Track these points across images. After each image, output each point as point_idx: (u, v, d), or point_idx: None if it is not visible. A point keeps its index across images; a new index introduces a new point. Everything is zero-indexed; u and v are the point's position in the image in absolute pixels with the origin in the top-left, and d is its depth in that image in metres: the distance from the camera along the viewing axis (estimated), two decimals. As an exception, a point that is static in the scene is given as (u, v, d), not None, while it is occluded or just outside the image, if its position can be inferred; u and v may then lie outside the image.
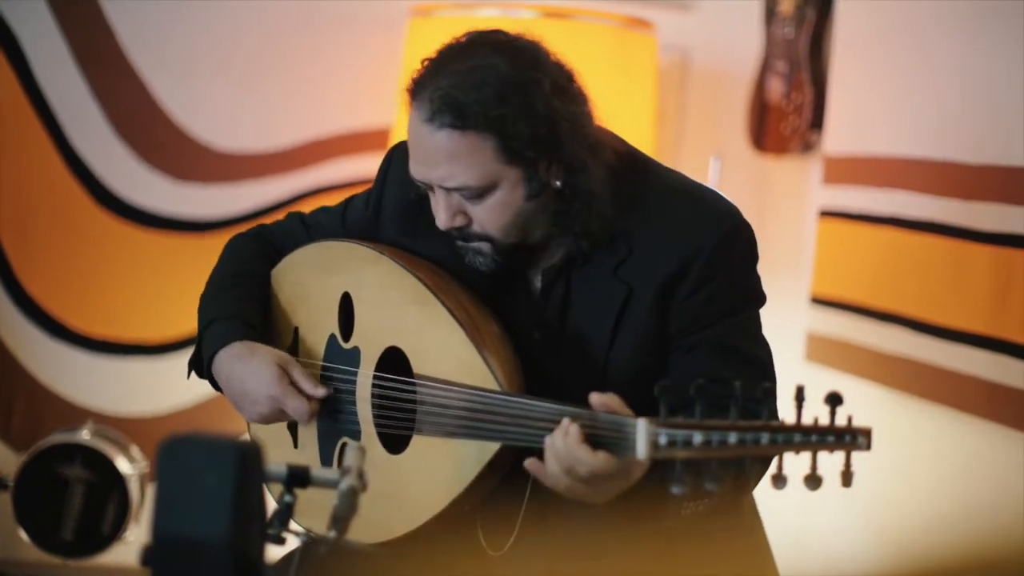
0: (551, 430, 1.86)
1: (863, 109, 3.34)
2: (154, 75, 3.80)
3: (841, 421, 1.72)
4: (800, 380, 3.39)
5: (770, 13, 3.76)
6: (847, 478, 1.71)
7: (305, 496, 1.80)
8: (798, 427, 1.71)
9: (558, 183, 2.03)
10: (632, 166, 2.11)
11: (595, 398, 1.84)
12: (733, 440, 1.69)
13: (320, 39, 3.88)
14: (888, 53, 3.25)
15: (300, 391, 2.16)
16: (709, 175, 3.57)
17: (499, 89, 1.97)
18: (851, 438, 1.72)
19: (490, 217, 2.04)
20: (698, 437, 1.69)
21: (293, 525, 1.73)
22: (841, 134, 3.44)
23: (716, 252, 2.05)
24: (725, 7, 3.94)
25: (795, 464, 1.72)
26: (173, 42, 3.81)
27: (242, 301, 2.26)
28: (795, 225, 3.76)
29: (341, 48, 3.88)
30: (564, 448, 1.83)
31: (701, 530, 2.01)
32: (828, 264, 3.45)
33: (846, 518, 3.29)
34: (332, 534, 1.64)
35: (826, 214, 3.45)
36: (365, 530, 1.97)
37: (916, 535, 3.07)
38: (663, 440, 1.71)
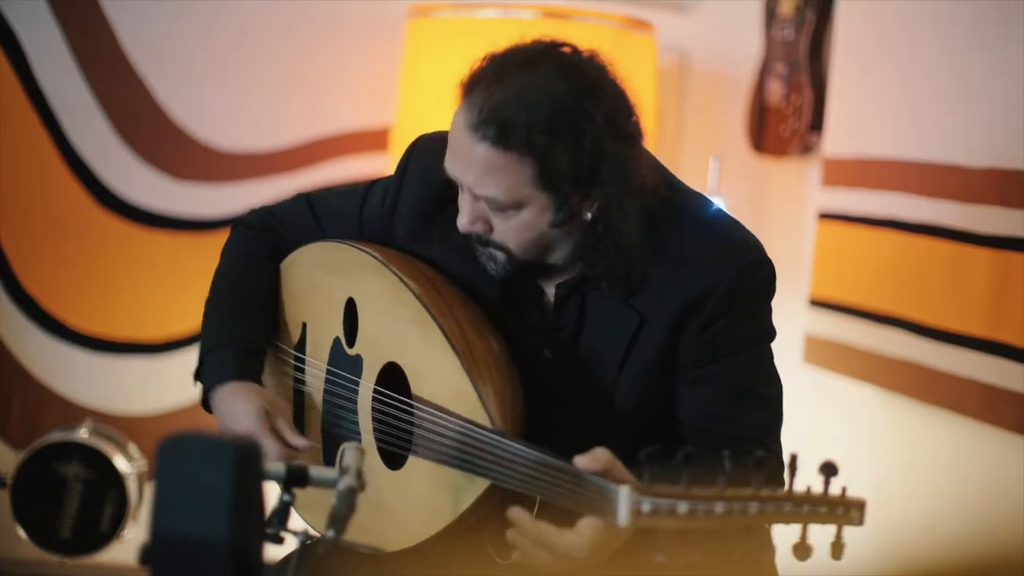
0: (536, 477, 1.83)
1: (862, 111, 3.35)
2: (154, 74, 3.80)
3: (835, 491, 1.66)
4: (799, 382, 3.38)
5: (770, 15, 3.76)
6: (837, 550, 1.66)
7: (309, 495, 1.80)
8: (789, 496, 1.65)
9: (589, 215, 2.00)
10: (658, 197, 2.06)
11: (580, 460, 1.79)
12: (720, 510, 1.63)
13: (319, 39, 3.88)
14: (887, 56, 3.25)
15: (280, 437, 2.14)
16: (708, 177, 3.57)
17: (551, 116, 1.92)
18: (844, 510, 1.66)
19: (511, 233, 2.02)
20: (683, 506, 1.64)
21: (292, 524, 1.73)
22: (840, 136, 3.44)
23: (731, 289, 2.02)
24: (725, 9, 3.94)
25: (785, 530, 1.68)
26: (173, 42, 3.81)
27: (244, 319, 2.26)
28: (794, 227, 3.76)
29: (340, 48, 3.88)
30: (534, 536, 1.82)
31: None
32: (827, 266, 3.45)
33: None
34: (330, 533, 1.65)
35: (825, 216, 3.45)
36: (362, 537, 1.97)
37: (914, 537, 3.07)
38: (646, 507, 1.66)
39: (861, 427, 3.31)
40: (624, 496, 1.68)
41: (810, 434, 3.32)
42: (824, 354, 3.41)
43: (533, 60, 1.96)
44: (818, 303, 3.45)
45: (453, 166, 2.01)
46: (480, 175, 1.96)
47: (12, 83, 3.70)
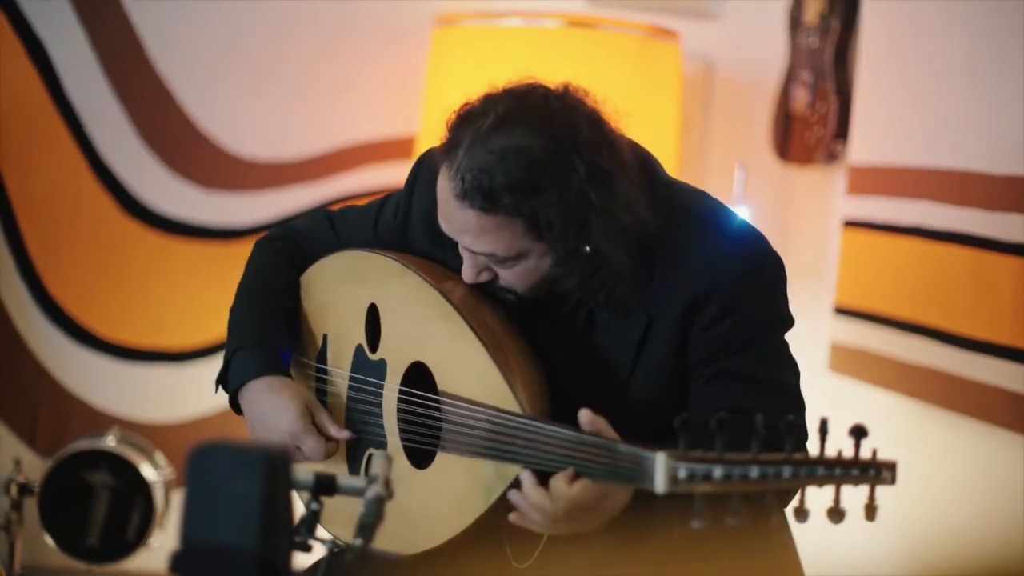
0: (570, 456, 1.86)
1: (888, 119, 3.34)
2: (180, 84, 3.82)
3: (866, 454, 1.70)
4: (823, 390, 3.38)
5: (795, 23, 3.76)
6: (871, 511, 1.69)
7: (334, 503, 1.81)
8: (821, 460, 1.69)
9: (588, 248, 2.02)
10: (657, 198, 2.07)
11: (584, 417, 1.86)
12: (755, 474, 1.67)
13: (345, 48, 3.89)
14: (913, 64, 3.24)
15: (322, 432, 2.17)
16: (733, 184, 3.57)
17: (530, 178, 1.95)
18: (875, 472, 1.70)
19: (516, 279, 2.07)
20: (718, 471, 1.67)
21: (320, 532, 1.74)
22: (865, 144, 3.44)
23: (737, 287, 2.04)
24: (750, 17, 3.94)
25: (818, 497, 1.70)
26: (199, 51, 3.83)
27: (271, 323, 2.28)
28: (819, 235, 3.76)
29: (366, 57, 3.90)
30: (532, 499, 1.88)
31: (729, 535, 2.00)
32: (852, 274, 3.45)
33: (869, 528, 3.28)
34: (358, 542, 1.65)
35: (850, 224, 3.44)
36: (388, 542, 1.97)
37: (940, 547, 3.06)
38: (682, 474, 1.68)
39: (886, 435, 3.29)
40: (661, 462, 1.70)
41: (834, 442, 3.31)
42: (849, 362, 3.41)
43: (506, 119, 1.98)
44: (843, 311, 3.45)
45: (448, 227, 2.06)
46: (475, 236, 2.01)
47: (40, 92, 3.73)
